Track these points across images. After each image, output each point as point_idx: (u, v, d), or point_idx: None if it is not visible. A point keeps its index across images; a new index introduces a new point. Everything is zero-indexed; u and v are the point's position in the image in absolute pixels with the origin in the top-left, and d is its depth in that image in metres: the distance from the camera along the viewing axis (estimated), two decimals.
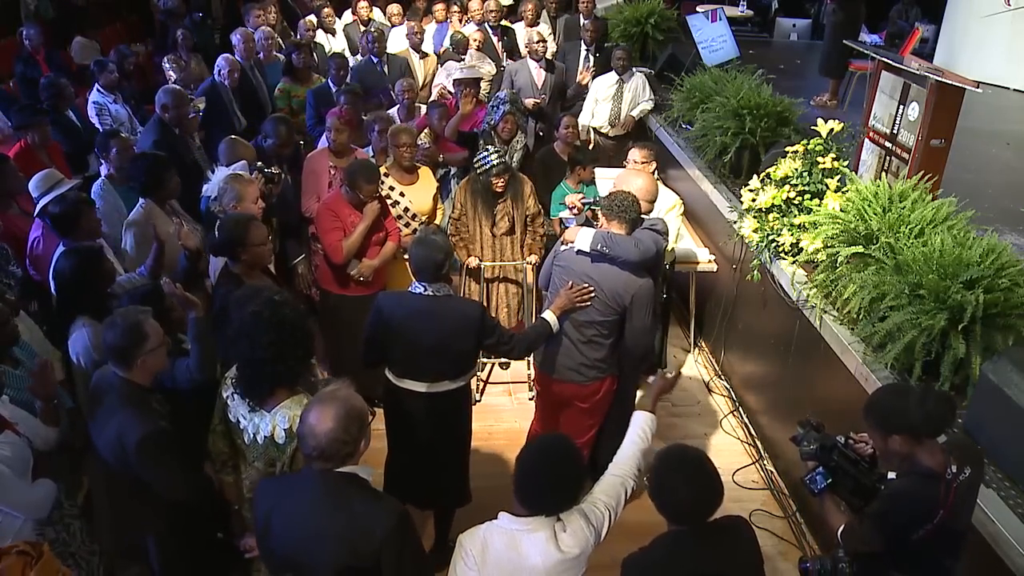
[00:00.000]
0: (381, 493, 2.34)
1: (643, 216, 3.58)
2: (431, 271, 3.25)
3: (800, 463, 2.65)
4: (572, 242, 3.51)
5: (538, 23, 8.11)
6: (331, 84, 6.29)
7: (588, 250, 3.43)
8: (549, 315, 3.47)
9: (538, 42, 6.77)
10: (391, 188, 4.83)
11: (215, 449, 2.85)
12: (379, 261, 4.46)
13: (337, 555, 2.21)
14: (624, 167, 4.54)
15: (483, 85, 6.71)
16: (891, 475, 2.49)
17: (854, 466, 2.53)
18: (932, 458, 2.32)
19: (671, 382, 3.00)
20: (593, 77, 6.89)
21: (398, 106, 5.95)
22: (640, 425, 2.72)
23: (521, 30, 7.93)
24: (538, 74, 6.77)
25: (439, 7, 8.39)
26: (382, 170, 4.93)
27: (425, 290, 3.27)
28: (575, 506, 2.35)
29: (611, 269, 3.42)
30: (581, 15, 8.05)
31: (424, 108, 6.09)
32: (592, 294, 3.43)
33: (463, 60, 6.98)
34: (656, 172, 4.74)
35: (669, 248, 4.66)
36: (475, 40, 7.11)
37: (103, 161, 4.56)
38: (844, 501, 2.53)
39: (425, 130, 5.63)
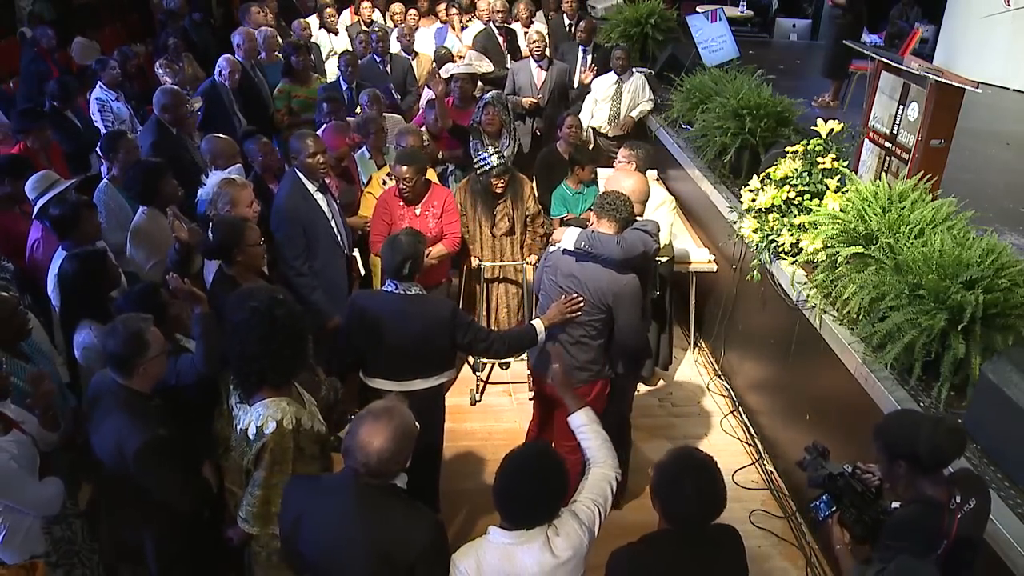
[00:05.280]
0: (418, 504, 2.30)
1: (636, 217, 3.56)
2: (400, 270, 3.29)
3: (806, 482, 2.63)
4: (559, 242, 3.53)
5: (532, 23, 8.10)
6: (342, 81, 6.32)
7: (572, 249, 3.44)
8: (538, 323, 3.47)
9: (536, 41, 6.77)
10: None
11: (221, 434, 2.87)
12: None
13: (369, 564, 2.19)
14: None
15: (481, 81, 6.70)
16: (895, 505, 2.44)
17: (859, 497, 2.50)
18: (935, 487, 2.31)
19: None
20: (594, 76, 6.88)
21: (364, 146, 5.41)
22: (584, 420, 2.74)
23: (520, 31, 7.93)
24: (538, 74, 6.77)
25: (441, 7, 8.39)
26: (385, 171, 4.94)
27: (396, 289, 3.31)
28: (564, 507, 2.32)
29: (595, 268, 3.41)
30: (565, 15, 8.10)
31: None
32: (581, 304, 3.42)
33: (457, 63, 6.97)
34: (645, 172, 4.73)
35: (664, 243, 4.65)
36: (459, 56, 7.12)
37: (107, 163, 4.55)
38: (847, 531, 2.50)
39: (423, 129, 5.63)
